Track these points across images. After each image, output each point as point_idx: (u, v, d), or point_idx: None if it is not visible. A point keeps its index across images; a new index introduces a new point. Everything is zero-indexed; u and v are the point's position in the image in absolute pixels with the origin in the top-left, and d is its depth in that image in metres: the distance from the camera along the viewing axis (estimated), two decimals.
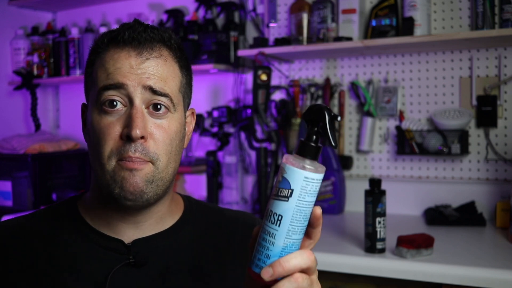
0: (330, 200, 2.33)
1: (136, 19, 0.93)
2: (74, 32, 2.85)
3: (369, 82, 2.36)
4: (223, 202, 2.51)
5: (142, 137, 0.86)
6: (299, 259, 0.70)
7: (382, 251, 1.67)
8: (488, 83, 2.16)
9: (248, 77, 2.57)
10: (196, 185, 2.72)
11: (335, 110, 2.44)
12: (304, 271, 0.72)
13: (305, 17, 2.33)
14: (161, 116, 0.89)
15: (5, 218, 2.24)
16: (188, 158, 2.61)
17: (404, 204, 2.29)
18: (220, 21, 2.62)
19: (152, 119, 0.89)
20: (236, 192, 2.51)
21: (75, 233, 0.94)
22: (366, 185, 1.73)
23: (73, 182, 2.74)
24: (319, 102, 2.44)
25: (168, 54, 0.92)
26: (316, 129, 0.71)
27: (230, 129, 2.56)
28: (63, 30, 2.93)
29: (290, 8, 2.42)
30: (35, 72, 2.91)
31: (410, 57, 2.31)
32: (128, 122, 0.86)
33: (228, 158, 2.50)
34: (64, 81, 2.97)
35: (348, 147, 2.44)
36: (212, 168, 2.46)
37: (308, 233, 0.73)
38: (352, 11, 2.27)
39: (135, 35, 0.89)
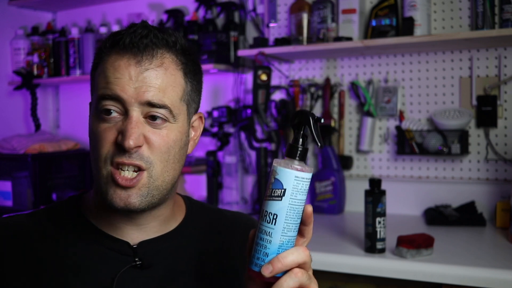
0: (330, 200, 2.33)
1: (143, 21, 0.91)
2: (74, 32, 2.85)
3: (369, 82, 2.36)
4: (223, 202, 2.51)
5: (137, 146, 0.86)
6: (296, 254, 0.75)
7: (382, 251, 1.67)
8: (488, 83, 2.16)
9: (248, 77, 2.57)
10: (196, 185, 2.72)
11: (335, 110, 2.44)
12: (301, 266, 0.76)
13: (305, 17, 2.33)
14: (159, 125, 0.88)
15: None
16: (188, 158, 2.61)
17: (404, 204, 2.29)
18: (220, 21, 2.62)
19: (149, 127, 0.88)
20: (236, 192, 2.51)
21: (79, 233, 0.93)
22: (366, 185, 1.73)
23: (73, 182, 2.74)
24: (319, 102, 2.44)
25: (171, 61, 0.89)
26: (302, 132, 0.77)
27: (230, 129, 2.56)
28: (63, 30, 2.93)
29: (290, 8, 2.42)
30: (35, 72, 2.91)
31: (410, 57, 2.31)
32: (123, 131, 0.86)
33: (228, 158, 2.50)
34: (64, 81, 2.97)
35: (348, 147, 2.44)
36: (212, 168, 2.46)
37: (301, 231, 0.78)
38: (352, 11, 2.27)
39: (136, 41, 0.87)
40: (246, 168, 2.59)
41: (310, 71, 2.49)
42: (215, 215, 1.06)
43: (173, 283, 0.93)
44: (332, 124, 2.39)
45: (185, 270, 0.94)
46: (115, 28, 2.75)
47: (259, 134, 2.32)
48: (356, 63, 2.41)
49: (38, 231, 0.93)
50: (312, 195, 2.37)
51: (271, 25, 2.50)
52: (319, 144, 0.77)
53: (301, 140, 0.77)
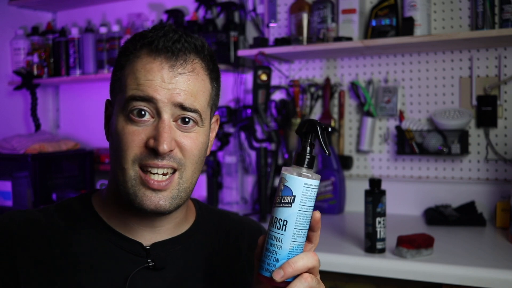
0: (330, 200, 2.33)
1: (170, 24, 0.92)
2: (74, 32, 2.85)
3: (369, 82, 2.36)
4: (223, 202, 2.51)
5: (170, 150, 0.87)
6: (306, 259, 0.78)
7: (382, 251, 1.67)
8: (488, 83, 2.16)
9: (248, 77, 2.57)
10: (196, 185, 2.70)
11: (335, 110, 2.44)
12: (310, 271, 0.78)
13: (305, 17, 2.33)
14: (189, 129, 0.90)
15: None
16: None
17: (404, 204, 2.29)
18: (220, 21, 2.62)
19: (180, 131, 0.89)
20: (236, 192, 2.51)
21: (92, 231, 0.93)
22: (366, 185, 1.73)
23: (73, 182, 2.74)
24: (319, 102, 2.44)
25: (201, 66, 0.92)
26: (309, 141, 0.80)
27: (230, 129, 2.56)
28: (63, 30, 2.93)
29: (290, 8, 2.42)
30: (35, 72, 2.91)
31: (410, 57, 2.31)
32: (155, 136, 0.86)
33: (228, 158, 2.50)
34: (64, 81, 2.96)
35: (348, 147, 2.44)
36: (212, 168, 2.46)
37: (309, 237, 0.81)
38: (352, 11, 2.27)
39: (169, 45, 0.88)
40: (246, 168, 2.59)
41: (310, 71, 2.49)
42: (221, 219, 1.07)
43: (183, 285, 0.93)
44: (332, 124, 2.40)
45: (194, 273, 0.95)
46: (115, 28, 2.75)
47: (259, 134, 2.32)
48: (356, 63, 2.41)
49: (53, 227, 0.92)
50: None
51: (271, 25, 2.50)
52: (327, 152, 0.80)
53: (308, 148, 0.80)
